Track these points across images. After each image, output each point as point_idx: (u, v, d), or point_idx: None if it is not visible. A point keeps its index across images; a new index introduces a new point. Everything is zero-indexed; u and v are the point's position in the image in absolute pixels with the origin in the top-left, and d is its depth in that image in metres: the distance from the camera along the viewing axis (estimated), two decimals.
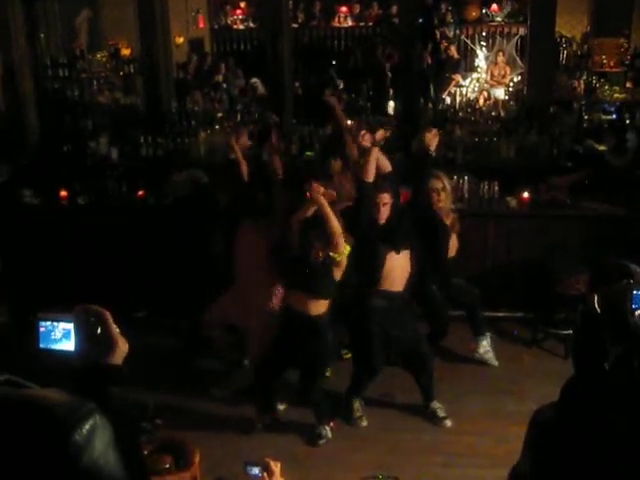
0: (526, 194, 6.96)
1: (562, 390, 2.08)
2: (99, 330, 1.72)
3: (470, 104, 10.29)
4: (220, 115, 9.89)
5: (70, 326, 1.73)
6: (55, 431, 1.23)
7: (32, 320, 1.79)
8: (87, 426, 1.26)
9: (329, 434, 5.36)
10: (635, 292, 2.24)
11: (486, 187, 7.05)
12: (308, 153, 8.50)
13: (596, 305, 2.10)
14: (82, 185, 7.58)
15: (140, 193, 7.48)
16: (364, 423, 5.58)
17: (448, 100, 10.80)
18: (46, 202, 7.45)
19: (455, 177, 7.16)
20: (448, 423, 5.52)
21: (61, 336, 1.74)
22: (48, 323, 1.75)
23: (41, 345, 1.75)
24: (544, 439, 2.05)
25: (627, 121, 9.31)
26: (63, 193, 7.42)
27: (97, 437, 1.27)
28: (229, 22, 13.92)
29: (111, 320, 1.73)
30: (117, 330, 1.74)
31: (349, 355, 6.10)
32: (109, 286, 6.78)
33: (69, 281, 6.81)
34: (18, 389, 1.38)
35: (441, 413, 5.57)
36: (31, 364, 1.51)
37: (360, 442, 5.32)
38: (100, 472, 1.28)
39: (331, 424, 5.42)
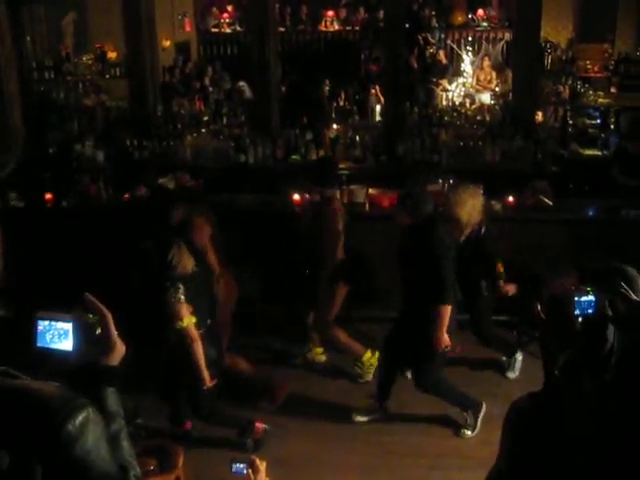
0: (511, 198, 7.00)
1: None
2: (98, 331, 1.73)
3: (455, 108, 10.37)
4: (206, 118, 9.91)
5: (68, 326, 1.73)
6: (48, 420, 1.25)
7: (29, 318, 1.79)
8: (80, 418, 1.28)
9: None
10: (577, 298, 2.27)
11: None
12: (294, 157, 8.53)
13: (539, 311, 2.12)
14: (67, 188, 7.55)
15: (126, 196, 7.47)
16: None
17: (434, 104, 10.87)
18: (31, 205, 7.42)
19: (440, 181, 7.20)
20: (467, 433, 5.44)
21: (59, 335, 1.74)
22: (46, 322, 1.76)
23: (38, 344, 1.76)
24: (520, 425, 2.08)
25: (611, 126, 9.42)
26: (48, 196, 7.39)
27: (90, 430, 1.29)
28: (216, 26, 13.94)
29: (111, 321, 1.74)
30: (116, 332, 1.75)
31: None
32: (95, 289, 6.72)
33: (56, 284, 6.76)
34: (14, 380, 1.39)
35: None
36: (27, 362, 1.51)
37: (348, 444, 5.33)
38: (91, 464, 1.29)
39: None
